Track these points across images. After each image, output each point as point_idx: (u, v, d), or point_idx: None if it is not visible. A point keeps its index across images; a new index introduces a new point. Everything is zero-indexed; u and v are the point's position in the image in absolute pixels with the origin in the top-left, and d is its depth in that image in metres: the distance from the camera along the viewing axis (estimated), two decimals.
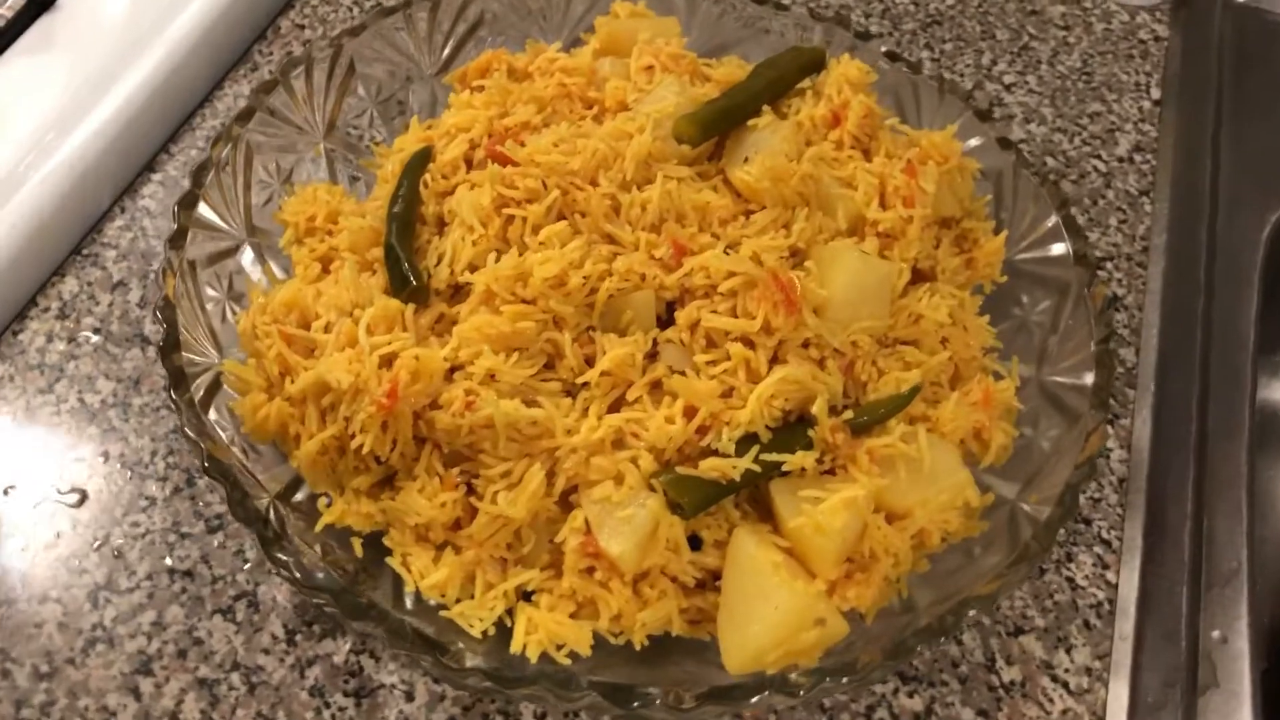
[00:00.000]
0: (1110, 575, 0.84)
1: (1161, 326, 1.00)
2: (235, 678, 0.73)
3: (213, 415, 0.72)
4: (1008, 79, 1.21)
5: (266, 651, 0.74)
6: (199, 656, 0.74)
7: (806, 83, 0.92)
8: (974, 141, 0.92)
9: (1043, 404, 0.81)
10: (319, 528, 0.70)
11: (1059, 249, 0.86)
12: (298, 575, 0.63)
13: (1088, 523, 0.87)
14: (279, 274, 0.85)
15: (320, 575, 0.63)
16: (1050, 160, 1.13)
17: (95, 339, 0.90)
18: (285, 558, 0.63)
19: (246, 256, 0.83)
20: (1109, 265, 1.05)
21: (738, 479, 0.69)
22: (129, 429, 0.85)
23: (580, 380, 0.73)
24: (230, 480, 0.66)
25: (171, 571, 0.78)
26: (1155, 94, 1.21)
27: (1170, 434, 0.92)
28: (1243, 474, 0.89)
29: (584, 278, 0.74)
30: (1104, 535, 0.86)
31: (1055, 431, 0.79)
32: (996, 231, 0.89)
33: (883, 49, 0.96)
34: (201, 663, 0.74)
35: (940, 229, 0.88)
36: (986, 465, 0.78)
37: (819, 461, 0.72)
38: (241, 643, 0.75)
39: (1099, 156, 1.14)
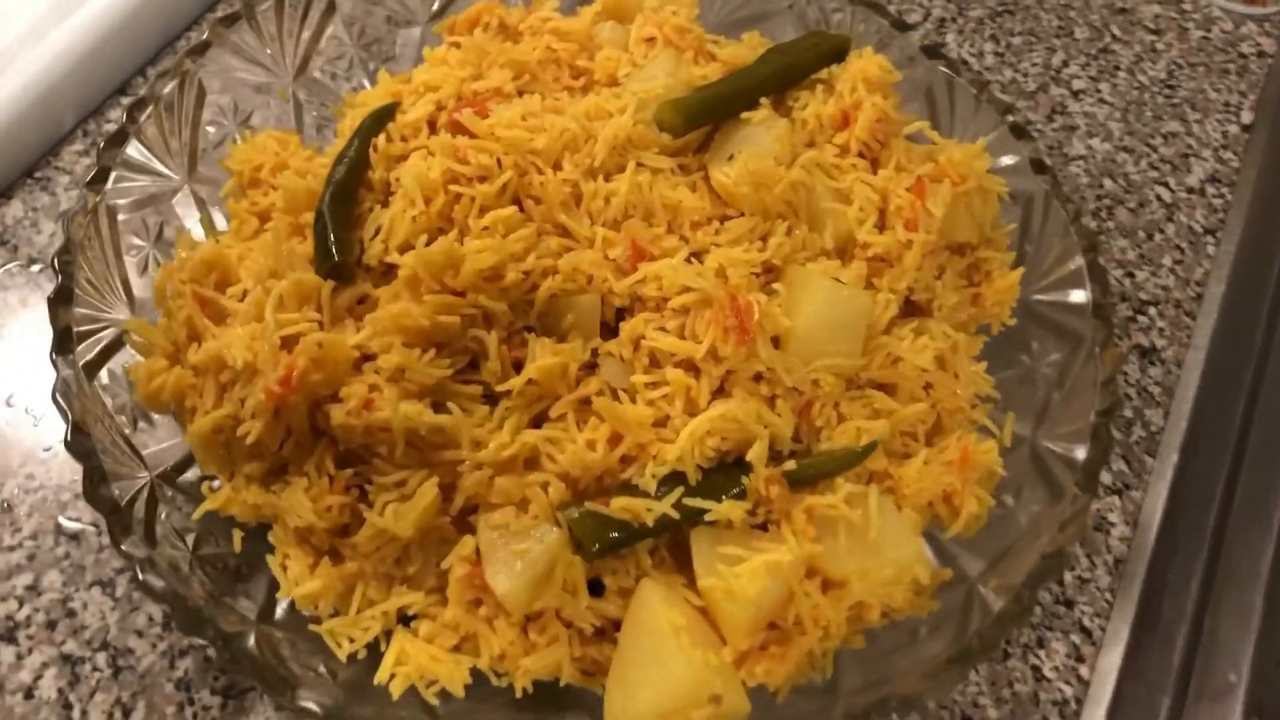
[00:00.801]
0: (1083, 670, 0.75)
1: (1200, 389, 0.88)
2: (101, 658, 0.69)
3: (106, 377, 0.67)
4: (1077, 84, 1.08)
5: (140, 634, 0.70)
6: (69, 630, 0.69)
7: (824, 73, 0.82)
8: (1007, 160, 0.82)
9: (1030, 472, 0.72)
10: (197, 515, 0.65)
11: (1079, 296, 0.75)
12: (140, 575, 0.57)
13: (1069, 605, 0.77)
14: (223, 225, 0.79)
15: (160, 583, 0.57)
16: (1108, 182, 1.01)
17: (32, 270, 0.86)
18: (133, 553, 0.58)
19: (182, 203, 0.77)
20: (1152, 310, 0.93)
21: (650, 524, 0.62)
22: (42, 373, 0.80)
23: (503, 388, 0.66)
24: (89, 460, 0.60)
25: (59, 532, 0.73)
26: (1246, 118, 1.08)
27: (1185, 515, 0.82)
28: (1262, 575, 0.79)
29: (525, 273, 0.67)
30: (1085, 622, 0.77)
31: (1037, 506, 0.69)
32: (1015, 265, 0.78)
33: (923, 43, 0.85)
34: (70, 637, 0.69)
35: (951, 256, 0.78)
36: (953, 534, 0.69)
37: (752, 513, 0.64)
38: (116, 620, 0.70)
39: (1165, 184, 1.02)
